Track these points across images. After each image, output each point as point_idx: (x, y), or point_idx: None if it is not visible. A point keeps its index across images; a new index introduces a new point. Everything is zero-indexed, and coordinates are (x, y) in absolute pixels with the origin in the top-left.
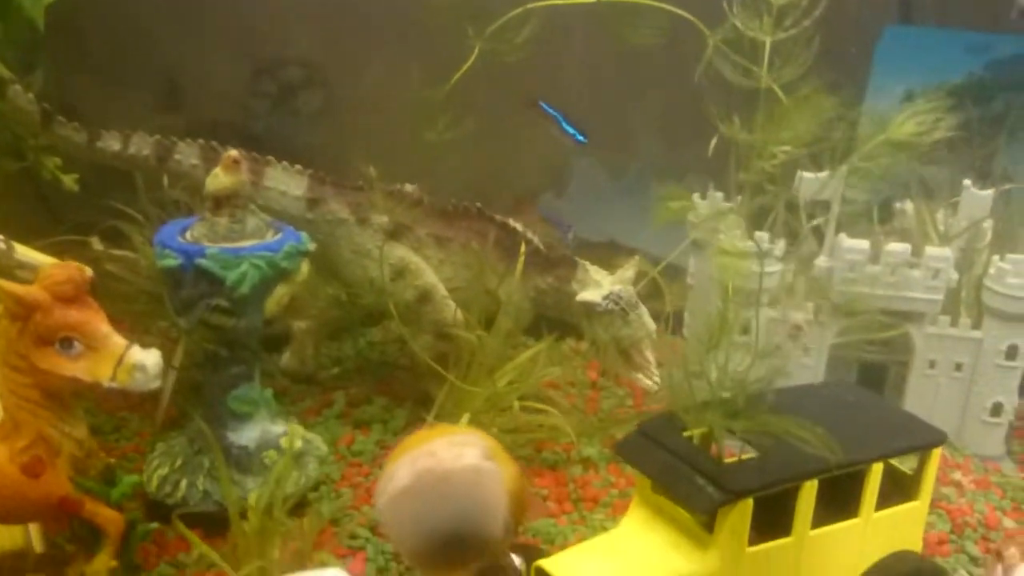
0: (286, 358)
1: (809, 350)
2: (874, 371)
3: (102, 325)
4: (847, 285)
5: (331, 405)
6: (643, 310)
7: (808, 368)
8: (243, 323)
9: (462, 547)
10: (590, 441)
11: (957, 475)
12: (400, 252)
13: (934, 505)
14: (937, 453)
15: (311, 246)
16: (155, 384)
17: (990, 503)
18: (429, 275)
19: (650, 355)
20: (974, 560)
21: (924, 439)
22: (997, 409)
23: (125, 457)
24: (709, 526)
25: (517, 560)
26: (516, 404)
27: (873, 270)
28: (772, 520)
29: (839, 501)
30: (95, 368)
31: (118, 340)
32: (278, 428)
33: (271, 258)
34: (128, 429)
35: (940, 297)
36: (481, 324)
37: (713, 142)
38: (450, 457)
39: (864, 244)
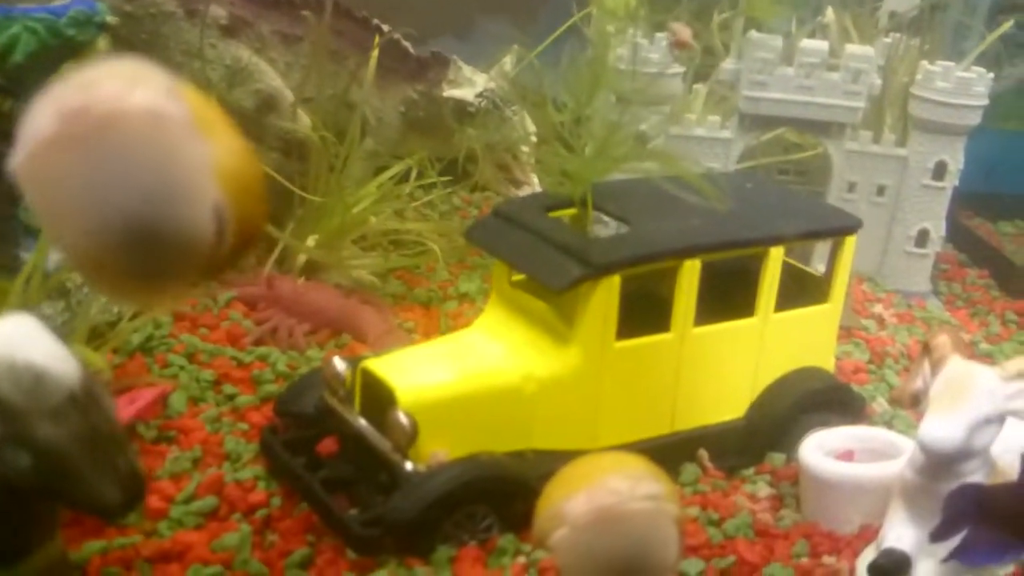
0: None
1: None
2: None
3: None
4: (756, 90)
5: None
6: (523, 111)
7: None
8: (23, 105)
9: (147, 243)
10: (470, 277)
11: (878, 308)
12: (238, 52)
13: (851, 334)
14: (851, 244)
15: (108, 17)
16: None
17: (914, 336)
18: (273, 79)
19: (530, 169)
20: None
21: (833, 224)
22: (923, 238)
23: None
24: (570, 318)
25: (341, 365)
26: (372, 220)
27: (786, 72)
28: (648, 314)
29: (732, 298)
30: None
31: None
32: None
33: (52, 23)
34: None
35: (861, 105)
36: (340, 141)
37: None
38: (114, 94)
39: (776, 41)
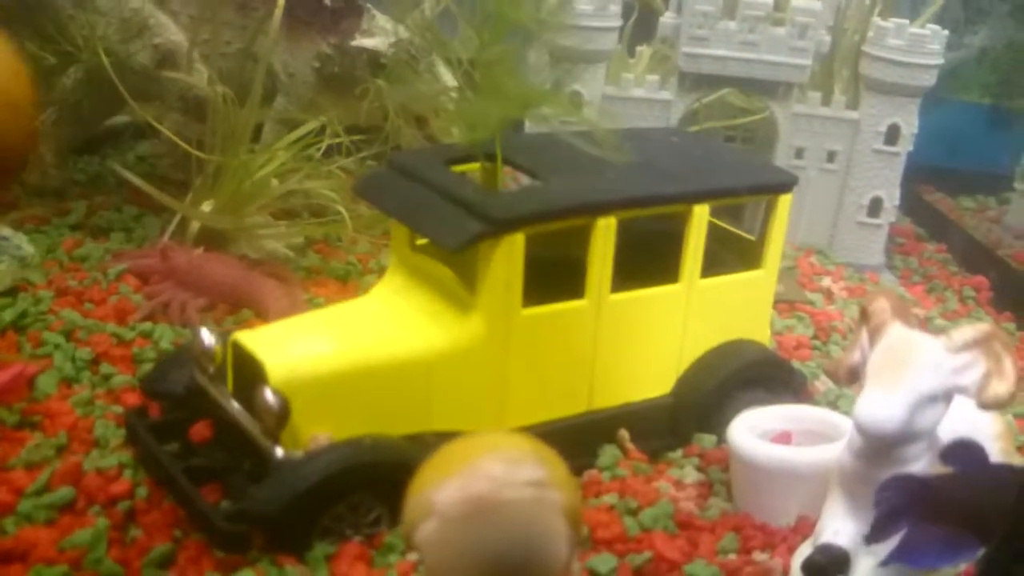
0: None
1: None
2: None
3: None
4: (696, 46)
5: (67, 214)
6: (441, 63)
7: None
8: None
9: None
10: None
11: (826, 281)
12: (136, 3)
13: (795, 308)
14: (786, 203)
15: None
16: None
17: None
18: (173, 33)
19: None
20: None
21: (765, 181)
22: (876, 207)
23: None
24: (472, 283)
25: (210, 338)
26: (275, 183)
27: (728, 26)
28: (560, 279)
29: (655, 262)
30: None
31: None
32: None
33: None
34: None
35: (808, 62)
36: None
37: None
38: None
39: None
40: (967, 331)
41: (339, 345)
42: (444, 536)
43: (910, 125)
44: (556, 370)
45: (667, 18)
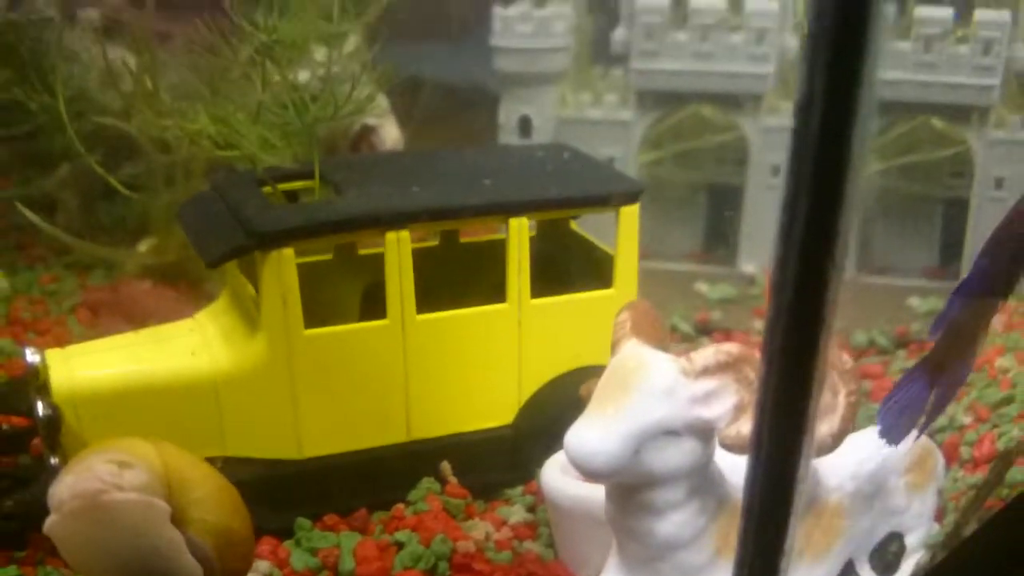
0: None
1: (613, 160)
2: (726, 196)
3: None
4: (646, 61)
5: (67, 252)
6: None
7: None
8: None
9: None
10: None
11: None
12: (117, 53)
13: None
14: (632, 215)
15: None
16: None
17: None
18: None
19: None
20: None
21: (604, 190)
22: None
23: None
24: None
25: (34, 356)
26: None
27: (678, 38)
28: (369, 301)
29: (489, 282)
30: None
31: None
32: None
33: None
34: None
35: (769, 69)
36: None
37: None
38: None
39: (664, 2)
40: (708, 352)
41: (130, 365)
42: (64, 531)
43: None
44: (360, 396)
45: (618, 33)
